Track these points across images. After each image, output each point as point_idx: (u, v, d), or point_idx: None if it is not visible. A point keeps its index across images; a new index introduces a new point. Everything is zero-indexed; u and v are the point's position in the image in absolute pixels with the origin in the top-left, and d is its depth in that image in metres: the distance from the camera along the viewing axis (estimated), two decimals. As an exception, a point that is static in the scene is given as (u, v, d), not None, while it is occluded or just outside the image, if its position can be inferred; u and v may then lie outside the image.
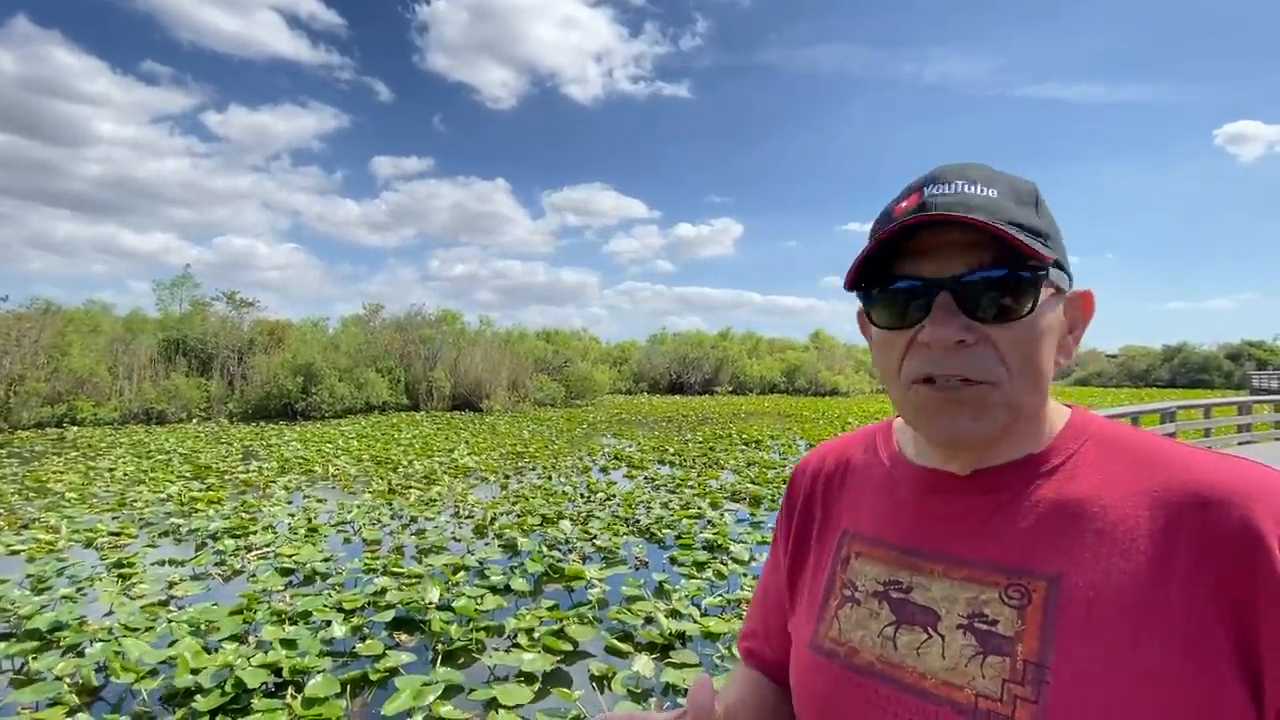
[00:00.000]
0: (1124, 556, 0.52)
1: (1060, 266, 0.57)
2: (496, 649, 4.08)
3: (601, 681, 3.68)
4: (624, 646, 4.08)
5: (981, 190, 0.55)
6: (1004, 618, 0.54)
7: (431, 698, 3.36)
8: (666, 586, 5.10)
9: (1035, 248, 0.52)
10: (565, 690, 3.52)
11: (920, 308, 0.55)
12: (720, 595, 4.91)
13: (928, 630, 0.58)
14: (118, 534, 6.74)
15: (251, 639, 4.14)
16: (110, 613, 4.59)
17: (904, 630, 0.59)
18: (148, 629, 4.20)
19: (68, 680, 3.63)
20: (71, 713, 3.31)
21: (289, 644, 3.91)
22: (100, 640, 3.99)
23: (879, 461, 0.70)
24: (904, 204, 0.57)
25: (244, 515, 7.50)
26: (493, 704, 3.42)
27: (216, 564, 5.76)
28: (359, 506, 7.91)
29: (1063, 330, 0.59)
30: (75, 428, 17.92)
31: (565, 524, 6.98)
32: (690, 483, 9.66)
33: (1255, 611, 0.47)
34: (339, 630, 4.20)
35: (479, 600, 4.71)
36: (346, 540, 6.65)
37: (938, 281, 0.55)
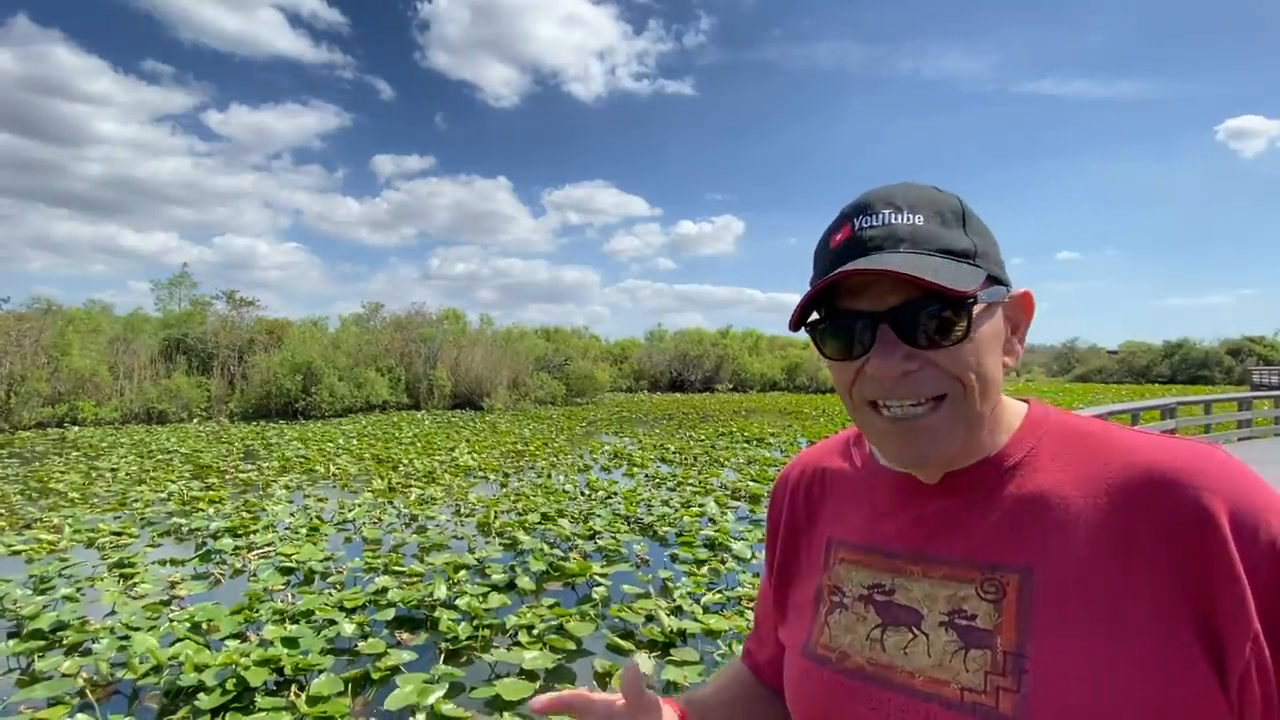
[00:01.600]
0: (1089, 544, 0.54)
1: (997, 279, 0.59)
2: (498, 646, 4.09)
3: (604, 679, 3.69)
4: (625, 644, 4.09)
5: (907, 218, 0.57)
6: (982, 612, 0.56)
7: (434, 696, 3.37)
8: (668, 584, 5.11)
9: (955, 286, 0.53)
10: (569, 686, 3.52)
11: (864, 340, 0.58)
12: (721, 592, 4.92)
13: (913, 630, 0.60)
14: (119, 534, 6.75)
15: (254, 637, 4.15)
16: (113, 612, 4.60)
17: (891, 631, 0.61)
18: (150, 628, 4.21)
19: (84, 676, 3.65)
20: (72, 713, 3.32)
21: (291, 642, 3.92)
22: (101, 639, 4.00)
23: (854, 468, 0.73)
24: (838, 235, 0.60)
25: (245, 515, 7.51)
26: (496, 701, 3.43)
27: (218, 563, 5.78)
28: (360, 505, 7.92)
29: (1004, 335, 0.61)
30: (76, 428, 17.95)
31: (565, 522, 6.99)
32: (691, 481, 9.66)
33: (1212, 590, 0.50)
34: (348, 628, 4.21)
35: (483, 598, 4.72)
36: (348, 539, 6.66)
37: (878, 314, 0.57)
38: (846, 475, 0.73)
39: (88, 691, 3.53)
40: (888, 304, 0.57)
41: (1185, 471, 0.53)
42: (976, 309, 0.57)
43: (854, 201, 0.62)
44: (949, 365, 0.56)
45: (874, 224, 0.58)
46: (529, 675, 3.71)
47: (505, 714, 3.31)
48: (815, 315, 0.62)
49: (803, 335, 0.62)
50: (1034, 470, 0.59)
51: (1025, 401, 0.66)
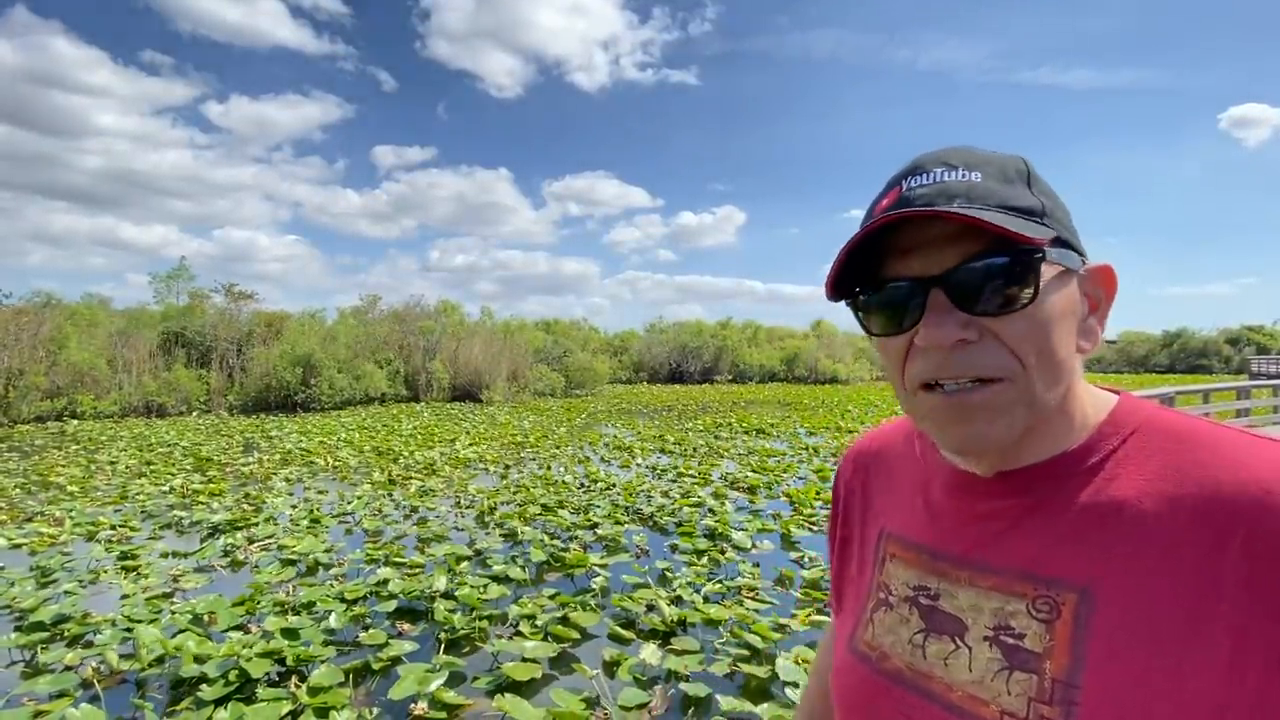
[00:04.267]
0: (1166, 567, 0.46)
1: (1067, 244, 0.52)
2: (500, 636, 4.11)
3: (612, 668, 3.71)
4: (626, 633, 4.11)
5: (963, 175, 0.51)
6: (1031, 632, 0.51)
7: (435, 684, 3.39)
8: (668, 574, 5.13)
9: (1022, 231, 0.47)
10: (583, 667, 3.59)
11: (915, 309, 0.51)
12: (721, 582, 4.94)
13: (955, 640, 0.55)
14: (121, 525, 6.76)
15: (255, 629, 4.16)
16: (121, 602, 4.61)
17: (933, 639, 0.57)
18: (152, 620, 4.22)
19: (90, 666, 3.66)
20: (77, 704, 3.33)
21: (292, 634, 3.93)
22: (104, 630, 4.01)
23: (914, 456, 0.67)
24: (884, 201, 0.53)
25: (246, 507, 7.52)
26: (501, 684, 3.44)
27: (219, 556, 5.79)
28: (360, 497, 7.93)
29: (1080, 312, 0.53)
30: (75, 421, 17.92)
31: (566, 513, 7.01)
32: (691, 472, 9.68)
33: None
34: (343, 620, 4.22)
35: (482, 589, 4.73)
36: (348, 531, 6.67)
37: (928, 279, 0.51)
38: (907, 463, 0.67)
39: (95, 683, 3.54)
40: (942, 265, 0.50)
41: None
42: (1046, 272, 0.50)
43: (905, 165, 0.55)
44: (1010, 339, 0.49)
45: (924, 182, 0.51)
46: (531, 661, 3.73)
47: (508, 695, 3.32)
48: (860, 288, 0.55)
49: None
50: (1113, 475, 0.51)
51: (1116, 393, 0.58)
